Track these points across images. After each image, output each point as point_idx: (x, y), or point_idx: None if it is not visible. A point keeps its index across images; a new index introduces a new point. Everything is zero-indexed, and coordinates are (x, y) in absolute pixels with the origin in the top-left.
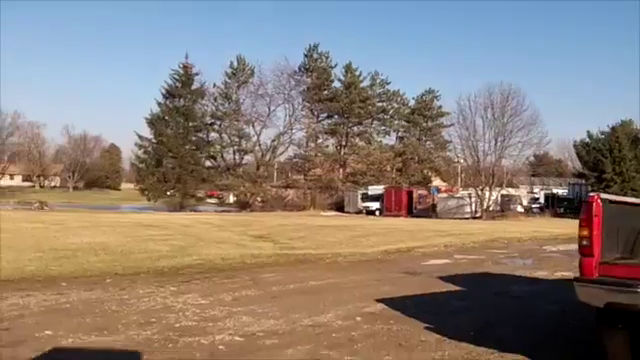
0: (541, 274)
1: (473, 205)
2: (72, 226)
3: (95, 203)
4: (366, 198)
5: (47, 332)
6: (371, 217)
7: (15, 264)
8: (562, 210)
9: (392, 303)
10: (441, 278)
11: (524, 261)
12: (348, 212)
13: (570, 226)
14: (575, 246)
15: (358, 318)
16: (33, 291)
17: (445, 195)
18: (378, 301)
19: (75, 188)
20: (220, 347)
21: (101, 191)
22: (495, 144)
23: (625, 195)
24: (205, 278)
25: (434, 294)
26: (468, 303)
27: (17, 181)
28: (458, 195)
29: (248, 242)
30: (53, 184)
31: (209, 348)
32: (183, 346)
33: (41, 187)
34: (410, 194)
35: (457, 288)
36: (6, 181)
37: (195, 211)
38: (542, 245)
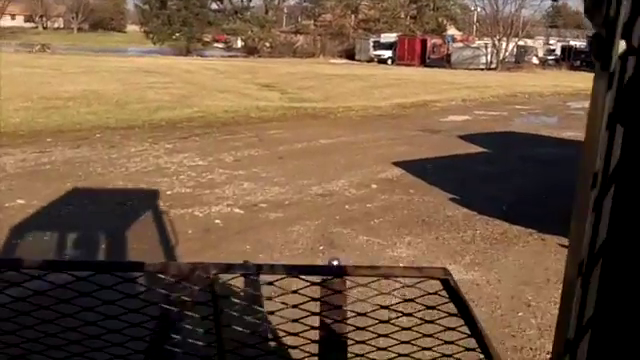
0: (568, 135)
1: (489, 56)
2: (69, 72)
3: (100, 45)
4: (378, 46)
5: (19, 201)
6: (383, 66)
7: None
8: (579, 63)
9: (410, 167)
10: (462, 137)
11: (549, 119)
12: (359, 60)
13: (583, 79)
14: None
15: (374, 185)
16: (13, 148)
17: (460, 45)
18: (395, 164)
19: (79, 30)
20: (216, 221)
21: (106, 33)
22: None
23: None
24: (205, 134)
25: (456, 157)
26: (494, 169)
27: (19, 22)
28: (474, 45)
29: (254, 92)
30: (56, 25)
31: (204, 223)
32: (174, 219)
33: (44, 28)
34: (424, 43)
35: (480, 149)
36: (7, 21)
37: (201, 56)
38: (565, 101)
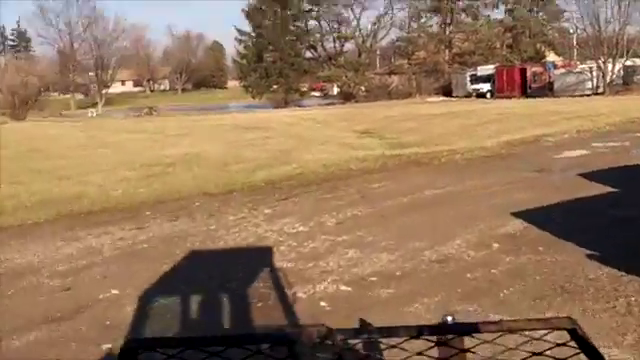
0: None
1: (594, 80)
2: (171, 134)
3: (202, 103)
4: (475, 80)
5: (113, 292)
6: (481, 100)
7: (102, 189)
8: None
9: (533, 217)
10: (583, 176)
11: None
12: (456, 96)
13: None
14: None
15: (495, 245)
16: (112, 225)
17: (563, 71)
18: (515, 215)
19: (183, 90)
20: (322, 304)
21: (208, 91)
22: (619, 9)
23: None
24: (305, 193)
25: (582, 200)
26: (629, 212)
27: (128, 87)
28: (577, 70)
29: (353, 140)
30: (162, 87)
31: (308, 306)
32: (274, 303)
33: (151, 91)
34: (523, 72)
35: (608, 189)
36: (117, 87)
37: (299, 106)
38: None
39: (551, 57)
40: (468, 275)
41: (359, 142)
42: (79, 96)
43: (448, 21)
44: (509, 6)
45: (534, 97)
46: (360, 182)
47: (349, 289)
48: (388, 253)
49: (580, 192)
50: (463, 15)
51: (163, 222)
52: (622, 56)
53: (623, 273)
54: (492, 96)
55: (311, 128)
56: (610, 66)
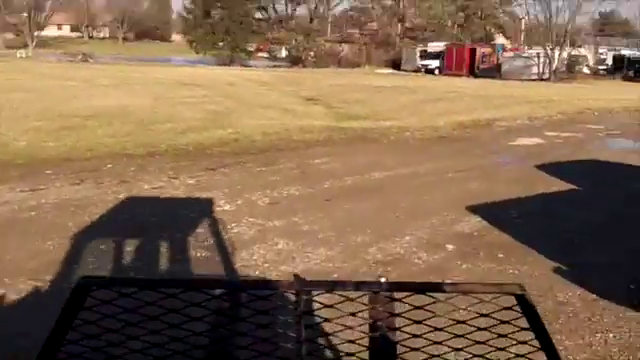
0: None
1: (541, 66)
2: (102, 84)
3: (144, 55)
4: (425, 55)
5: None
6: (430, 77)
7: (3, 138)
8: (633, 73)
9: (491, 214)
10: (541, 168)
11: (633, 143)
12: (405, 70)
13: None
14: None
15: (449, 246)
16: (2, 184)
17: (511, 54)
18: (471, 211)
19: (125, 39)
20: None
21: (151, 42)
22: None
23: None
24: (237, 164)
25: (543, 197)
26: (594, 216)
27: (65, 31)
28: (525, 54)
29: (298, 106)
30: (102, 35)
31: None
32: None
33: (90, 38)
34: (473, 52)
35: (568, 186)
36: (53, 31)
37: (245, 66)
38: (639, 119)
39: (500, 40)
40: None
41: (304, 110)
42: (9, 35)
43: None
44: None
45: (482, 78)
46: (302, 156)
47: None
48: (326, 248)
49: (539, 187)
50: None
51: (64, 185)
52: (570, 45)
53: (596, 297)
54: (440, 73)
55: (254, 90)
56: (557, 53)
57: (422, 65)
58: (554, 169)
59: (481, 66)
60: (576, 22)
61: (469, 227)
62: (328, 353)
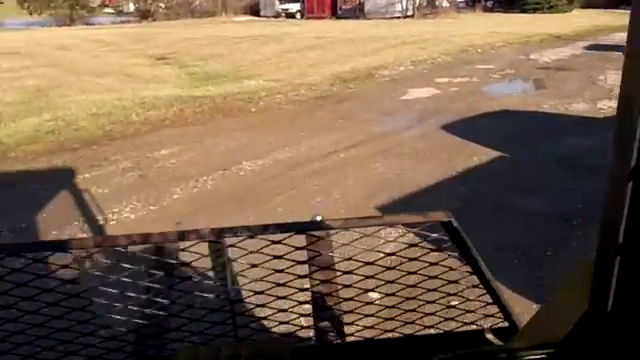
0: (581, 108)
1: (404, 2)
2: None
3: None
4: None
5: None
6: (292, 21)
7: None
8: (492, 5)
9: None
10: (449, 129)
11: (533, 83)
12: (265, 16)
13: (521, 23)
14: (569, 52)
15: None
16: None
17: None
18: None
19: None
20: None
21: None
22: None
23: None
24: (46, 173)
25: (467, 177)
26: (542, 203)
27: None
28: None
29: (145, 69)
30: None
31: None
32: None
33: None
34: None
35: (494, 154)
36: None
37: (88, 24)
38: (526, 53)
39: None
40: None
41: (152, 73)
42: None
43: None
44: None
45: (345, 18)
46: (142, 146)
47: None
48: None
49: (458, 160)
50: None
51: None
52: None
53: None
54: (302, 17)
55: (93, 53)
56: None
57: (282, 9)
58: (464, 129)
59: (343, 7)
60: None
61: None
62: (259, 298)
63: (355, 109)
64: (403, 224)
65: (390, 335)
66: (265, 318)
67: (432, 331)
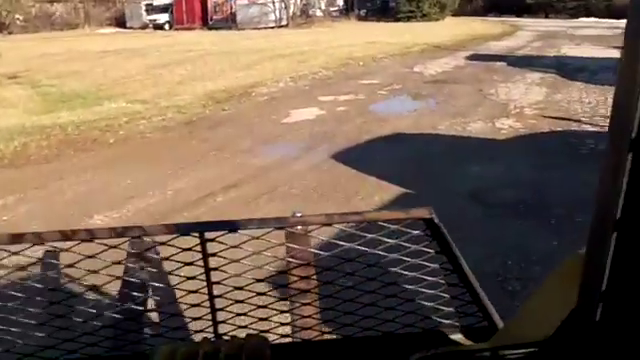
0: (479, 128)
1: (277, 12)
2: None
3: None
4: (151, 9)
5: None
6: (161, 33)
7: None
8: (365, 13)
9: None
10: (342, 159)
11: (424, 101)
12: (132, 28)
13: (398, 32)
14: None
15: None
16: None
17: (246, 2)
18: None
19: None
20: None
21: None
22: None
23: None
24: None
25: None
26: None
27: None
28: (261, 1)
29: None
30: None
31: None
32: None
33: None
34: (204, 2)
35: (396, 191)
36: None
37: None
38: (409, 66)
39: None
40: None
41: None
42: None
43: None
44: None
45: (217, 29)
46: None
47: None
48: None
49: (356, 201)
50: None
51: None
52: None
53: None
54: (171, 27)
55: None
56: None
57: (150, 20)
58: (359, 159)
59: (214, 17)
60: None
61: None
62: (239, 294)
63: (231, 137)
64: (384, 221)
65: (369, 333)
66: (245, 314)
67: (411, 329)
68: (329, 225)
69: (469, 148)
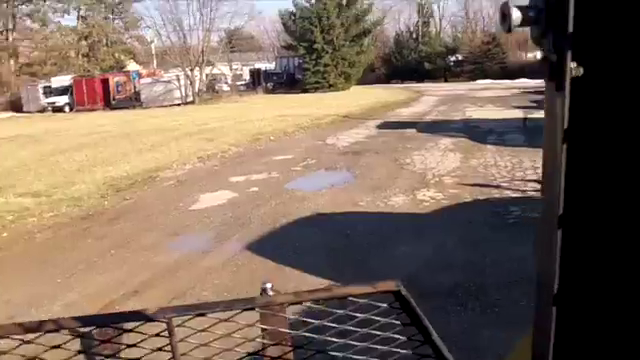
0: (401, 202)
1: (183, 89)
2: None
3: None
4: (50, 92)
5: None
6: (61, 115)
7: None
8: (272, 86)
9: None
10: (258, 250)
11: (340, 175)
12: (29, 112)
13: (307, 104)
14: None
15: None
16: None
17: (149, 80)
18: None
19: None
20: None
21: None
22: (201, 16)
23: (337, 65)
24: None
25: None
26: None
27: None
28: (164, 79)
29: None
30: None
31: None
32: None
33: None
34: (105, 82)
35: (326, 284)
36: None
37: None
38: (321, 138)
39: (132, 66)
40: None
41: None
42: None
43: (11, 26)
44: (82, 12)
45: (120, 109)
46: None
47: None
48: None
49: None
50: (29, 21)
51: None
52: (208, 64)
53: None
54: (71, 110)
55: None
56: (198, 74)
57: (48, 103)
58: (276, 248)
59: (117, 96)
60: (214, 40)
61: None
62: None
63: (133, 231)
64: (352, 295)
65: None
66: None
67: None
68: (299, 303)
69: (393, 226)
